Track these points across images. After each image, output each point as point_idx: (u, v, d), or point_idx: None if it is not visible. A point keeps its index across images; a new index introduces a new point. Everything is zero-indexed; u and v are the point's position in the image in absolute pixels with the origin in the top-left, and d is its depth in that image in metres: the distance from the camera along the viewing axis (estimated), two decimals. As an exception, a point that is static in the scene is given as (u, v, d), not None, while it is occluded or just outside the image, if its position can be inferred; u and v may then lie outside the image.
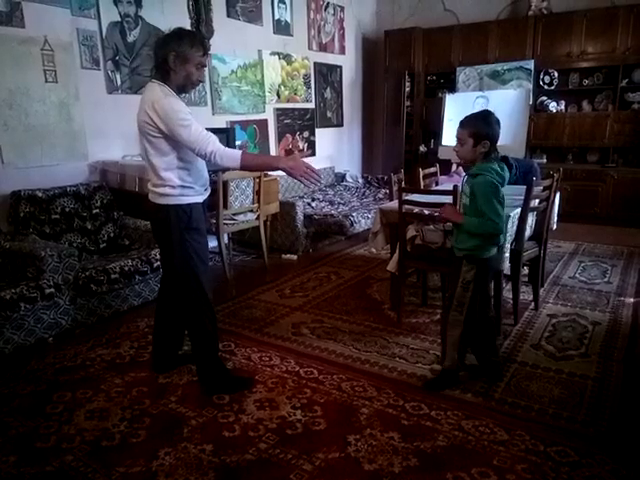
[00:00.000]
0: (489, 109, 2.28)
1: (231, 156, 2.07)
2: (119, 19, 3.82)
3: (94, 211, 3.50)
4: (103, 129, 3.76)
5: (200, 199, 2.24)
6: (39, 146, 3.43)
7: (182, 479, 1.78)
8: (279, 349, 2.77)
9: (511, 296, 3.04)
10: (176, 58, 2.05)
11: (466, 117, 2.22)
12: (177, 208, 2.16)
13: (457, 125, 2.21)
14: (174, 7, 4.20)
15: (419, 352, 2.68)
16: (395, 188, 3.36)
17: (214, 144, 2.03)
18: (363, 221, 4.90)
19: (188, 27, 4.35)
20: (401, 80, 6.38)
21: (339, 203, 5.36)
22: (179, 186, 2.13)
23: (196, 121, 2.06)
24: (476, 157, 2.18)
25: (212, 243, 4.58)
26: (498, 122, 2.18)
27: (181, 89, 2.15)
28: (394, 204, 3.12)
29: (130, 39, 3.91)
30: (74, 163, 3.63)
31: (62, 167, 3.53)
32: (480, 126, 2.14)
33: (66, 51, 3.51)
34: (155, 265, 3.29)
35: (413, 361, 2.58)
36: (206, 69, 4.46)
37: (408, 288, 3.42)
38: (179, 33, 2.09)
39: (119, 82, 3.87)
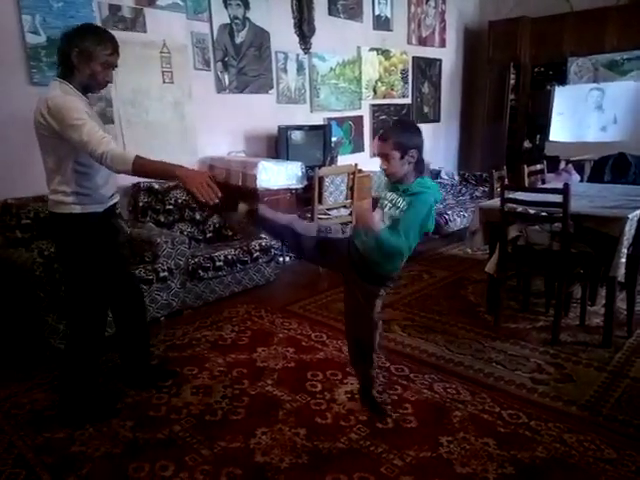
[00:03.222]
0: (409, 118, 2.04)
1: (122, 159, 1.82)
2: (228, 21, 4.04)
3: (202, 203, 3.76)
4: (211, 127, 4.00)
5: (100, 208, 2.04)
6: (156, 142, 3.73)
7: (277, 459, 1.87)
8: (370, 344, 2.79)
9: (625, 306, 2.80)
10: (79, 55, 1.89)
11: (385, 130, 2.04)
12: (71, 218, 1.97)
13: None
14: (279, 7, 4.35)
15: (518, 359, 2.56)
16: (496, 185, 3.22)
17: (106, 145, 1.81)
18: (458, 220, 4.75)
19: (291, 27, 4.50)
20: (505, 72, 6.08)
21: (433, 200, 5.24)
22: (73, 192, 1.95)
23: (92, 121, 1.87)
24: (407, 171, 1.94)
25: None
26: (419, 129, 1.99)
27: (86, 88, 1.98)
28: (495, 202, 2.99)
29: (238, 40, 4.12)
30: (185, 158, 3.87)
31: (174, 162, 3.81)
32: (403, 136, 1.93)
33: (181, 53, 3.79)
34: (255, 255, 3.48)
35: (512, 368, 2.47)
36: (306, 68, 4.66)
37: (507, 292, 3.26)
38: (84, 28, 1.92)
39: (227, 82, 4.10)
